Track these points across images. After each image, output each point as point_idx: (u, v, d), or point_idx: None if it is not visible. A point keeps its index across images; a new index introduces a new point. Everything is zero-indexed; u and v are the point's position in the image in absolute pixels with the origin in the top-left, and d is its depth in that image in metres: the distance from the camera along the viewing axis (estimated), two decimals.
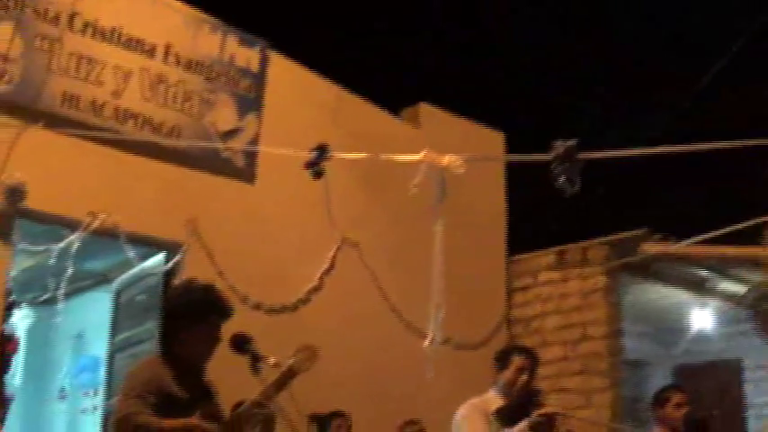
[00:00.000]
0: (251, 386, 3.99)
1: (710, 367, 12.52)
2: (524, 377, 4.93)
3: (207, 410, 3.97)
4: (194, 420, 3.88)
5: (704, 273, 10.31)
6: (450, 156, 4.08)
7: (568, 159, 3.61)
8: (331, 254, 8.51)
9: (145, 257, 7.98)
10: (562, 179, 3.62)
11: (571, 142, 3.64)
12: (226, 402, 4.19)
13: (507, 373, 4.96)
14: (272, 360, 3.96)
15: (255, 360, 3.99)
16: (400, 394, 8.53)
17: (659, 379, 11.67)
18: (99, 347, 11.26)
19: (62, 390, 12.53)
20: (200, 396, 4.04)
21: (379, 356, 8.67)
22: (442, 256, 4.36)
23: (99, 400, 11.09)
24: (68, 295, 12.18)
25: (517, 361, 5.00)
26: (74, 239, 7.08)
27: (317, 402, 3.97)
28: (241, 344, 4.05)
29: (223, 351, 4.14)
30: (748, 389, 12.69)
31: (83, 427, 11.83)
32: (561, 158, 3.62)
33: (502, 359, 5.08)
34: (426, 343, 4.55)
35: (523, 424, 4.66)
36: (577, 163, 3.61)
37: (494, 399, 4.95)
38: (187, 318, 4.08)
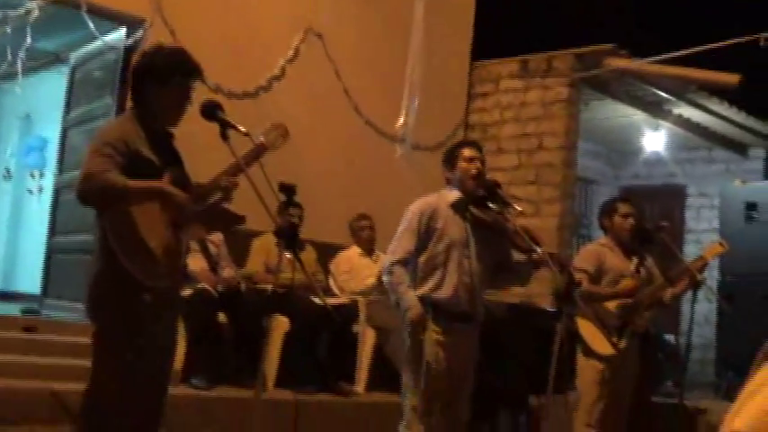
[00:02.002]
0: (221, 160, 3.91)
1: (655, 192, 12.74)
2: (476, 165, 4.89)
3: (175, 176, 3.90)
4: (161, 184, 3.82)
5: (663, 95, 10.32)
6: None
7: None
8: (295, 43, 8.35)
9: (104, 33, 7.76)
10: None
11: None
12: (195, 174, 4.10)
13: (458, 167, 4.90)
14: (242, 128, 3.87)
15: (225, 127, 3.88)
16: (356, 190, 8.56)
17: (605, 198, 11.81)
18: (47, 129, 11.12)
19: (7, 170, 12.41)
20: (169, 161, 3.94)
21: (335, 152, 8.65)
22: (420, 37, 4.25)
23: (45, 180, 11.03)
24: (16, 75, 11.98)
25: (465, 152, 4.94)
26: (33, 6, 6.81)
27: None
28: (211, 110, 3.93)
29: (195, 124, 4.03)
30: (689, 215, 12.98)
31: (28, 206, 11.78)
32: None
33: (450, 156, 5.00)
34: (399, 137, 4.51)
35: (410, 313, 4.71)
36: None
37: (450, 194, 4.92)
38: (154, 78, 3.95)
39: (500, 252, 4.93)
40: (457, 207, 4.84)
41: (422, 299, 4.74)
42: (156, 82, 3.93)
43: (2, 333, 6.73)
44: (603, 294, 5.72)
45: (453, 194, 4.89)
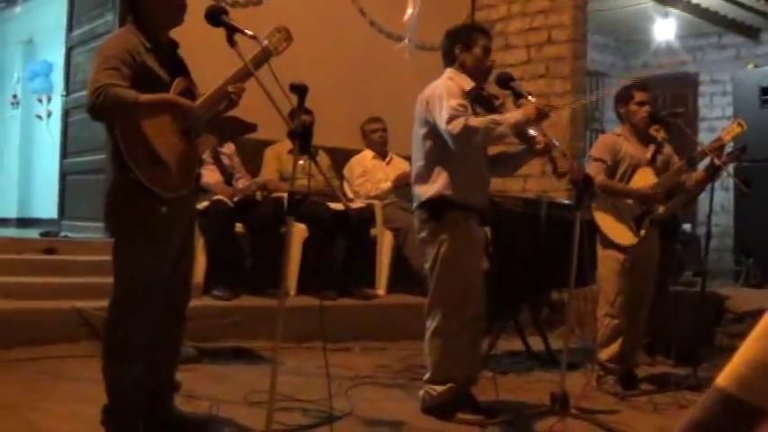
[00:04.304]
0: (225, 69, 3.86)
1: (667, 80, 12.61)
2: (491, 59, 4.81)
3: (182, 86, 3.86)
4: (170, 95, 3.78)
5: None
6: None
7: None
8: None
9: None
10: None
11: None
12: (201, 83, 4.06)
13: (473, 53, 4.81)
14: (249, 32, 3.80)
15: (231, 31, 3.80)
16: (364, 93, 8.50)
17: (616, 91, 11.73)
18: (51, 52, 11.06)
19: (14, 97, 12.40)
20: (176, 72, 3.90)
21: (341, 55, 8.56)
22: None
23: (53, 104, 11.01)
24: (17, 1, 11.89)
25: (481, 41, 4.84)
26: None
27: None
28: (216, 15, 3.85)
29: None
30: (702, 102, 12.88)
31: (37, 132, 11.78)
32: None
33: (464, 39, 4.88)
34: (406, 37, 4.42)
35: (518, 113, 4.57)
36: None
37: (458, 81, 4.80)
38: None
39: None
40: (474, 97, 4.74)
41: (435, 198, 4.69)
42: None
43: (23, 256, 6.80)
44: (621, 190, 5.68)
45: (462, 80, 4.78)
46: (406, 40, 8.21)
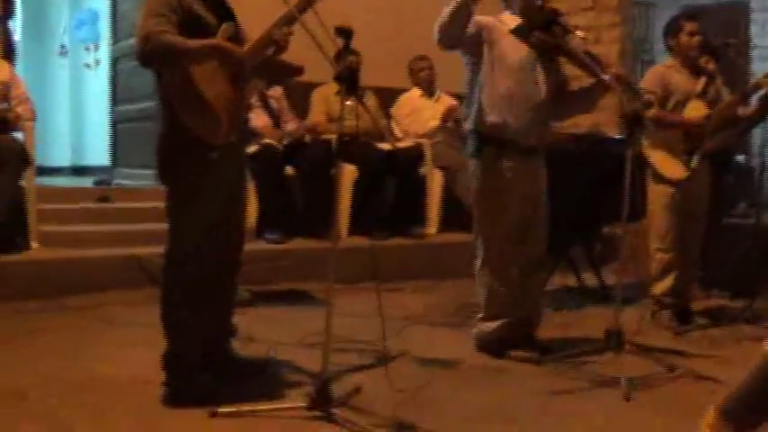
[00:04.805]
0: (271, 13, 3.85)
1: (717, 8, 12.35)
2: None
3: (230, 32, 3.85)
4: (218, 40, 3.78)
5: None
6: None
7: None
8: None
9: None
10: None
11: None
12: (248, 29, 4.05)
13: None
14: None
15: None
16: (410, 31, 8.42)
17: (665, 21, 11.52)
18: (95, 1, 11.07)
19: (62, 46, 12.44)
20: (223, 17, 3.89)
21: None
22: None
23: (100, 53, 11.05)
24: None
25: None
26: None
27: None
28: None
29: None
30: (754, 31, 12.62)
31: (86, 80, 11.84)
32: None
33: None
34: None
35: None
36: None
37: (510, 19, 4.76)
38: None
39: (562, 79, 4.81)
40: (519, 33, 4.64)
41: (485, 133, 4.66)
42: None
43: (78, 205, 6.89)
44: (673, 121, 5.61)
45: (513, 19, 4.73)
46: None
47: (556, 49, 4.62)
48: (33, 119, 6.38)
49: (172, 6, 3.69)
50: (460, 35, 4.50)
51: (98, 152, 10.16)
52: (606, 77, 4.49)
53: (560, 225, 5.11)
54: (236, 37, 3.88)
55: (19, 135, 6.16)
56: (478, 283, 4.75)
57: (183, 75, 3.65)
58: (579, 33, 4.64)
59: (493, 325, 4.70)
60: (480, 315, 4.77)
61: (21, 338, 4.85)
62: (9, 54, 7.91)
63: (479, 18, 4.63)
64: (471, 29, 4.57)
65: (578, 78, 4.85)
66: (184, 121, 3.66)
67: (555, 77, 4.71)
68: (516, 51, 4.62)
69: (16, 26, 9.91)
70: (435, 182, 7.68)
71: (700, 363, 4.66)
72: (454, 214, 7.48)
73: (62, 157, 11.85)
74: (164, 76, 3.73)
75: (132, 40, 6.77)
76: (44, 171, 8.72)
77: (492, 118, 4.62)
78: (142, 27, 3.66)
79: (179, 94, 3.67)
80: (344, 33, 3.73)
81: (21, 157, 5.89)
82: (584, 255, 6.80)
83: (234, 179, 4.02)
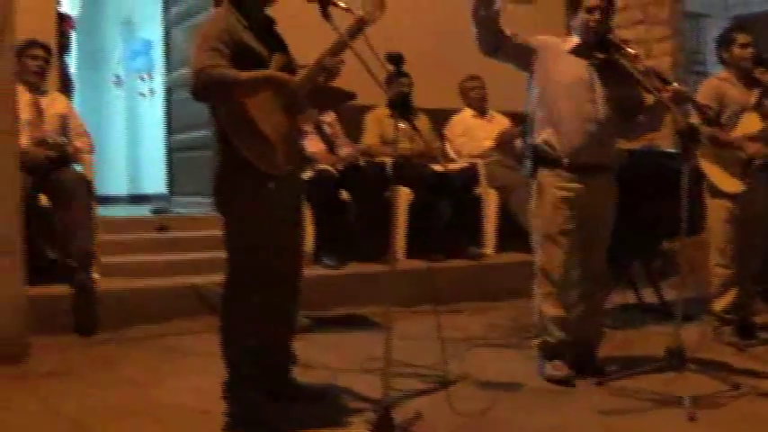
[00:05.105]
0: (323, 39, 3.88)
1: None
2: (596, 16, 4.70)
3: (281, 62, 3.90)
4: (270, 71, 3.82)
5: None
6: None
7: None
8: None
9: None
10: None
11: None
12: (300, 57, 4.08)
13: (579, 14, 4.74)
14: (342, 4, 3.83)
15: (326, 4, 3.84)
16: (461, 51, 8.41)
17: (717, 32, 11.43)
18: (148, 31, 11.25)
19: (117, 76, 12.63)
20: (274, 47, 3.93)
21: (434, 14, 8.48)
22: None
23: (155, 82, 11.20)
24: None
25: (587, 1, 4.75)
26: None
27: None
28: None
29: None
30: None
31: (142, 109, 12.00)
32: None
33: (572, 2, 4.84)
34: None
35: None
36: None
37: (571, 41, 4.75)
38: None
39: (629, 97, 4.72)
40: (578, 53, 4.64)
41: (540, 150, 4.65)
42: None
43: (137, 235, 6.97)
44: (727, 140, 5.54)
45: (573, 40, 4.73)
46: None
47: (616, 68, 4.58)
48: (92, 151, 6.47)
49: (224, 40, 3.74)
50: (495, 38, 4.53)
51: (154, 180, 10.29)
52: (664, 95, 4.46)
53: (619, 241, 5.07)
54: (288, 66, 3.93)
55: (78, 168, 6.24)
56: (536, 304, 4.73)
57: (237, 106, 3.70)
58: (630, 50, 4.61)
59: (557, 366, 4.67)
60: (537, 339, 4.75)
61: (85, 369, 4.91)
62: (66, 88, 8.04)
63: (535, 37, 4.65)
64: (517, 41, 4.60)
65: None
66: (241, 152, 3.70)
67: (619, 96, 4.64)
68: (573, 71, 4.60)
69: (72, 58, 10.06)
70: (491, 202, 7.66)
71: (765, 380, 4.60)
72: (511, 234, 7.44)
73: (119, 186, 12.01)
74: (219, 108, 3.78)
75: (185, 70, 6.86)
76: (102, 200, 8.85)
77: (546, 137, 4.61)
78: (196, 62, 3.72)
79: (234, 125, 3.71)
80: (395, 59, 3.75)
81: (88, 189, 5.98)
82: (643, 271, 6.74)
83: (291, 206, 4.05)
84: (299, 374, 4.30)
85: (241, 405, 3.87)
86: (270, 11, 4.04)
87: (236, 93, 3.69)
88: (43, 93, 6.30)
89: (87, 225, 5.89)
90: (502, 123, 7.96)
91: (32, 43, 6.03)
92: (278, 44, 3.98)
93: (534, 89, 4.68)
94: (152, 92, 11.60)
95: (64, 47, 8.30)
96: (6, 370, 4.79)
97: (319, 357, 4.91)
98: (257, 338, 3.92)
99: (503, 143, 7.80)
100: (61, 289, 5.72)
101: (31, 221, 5.35)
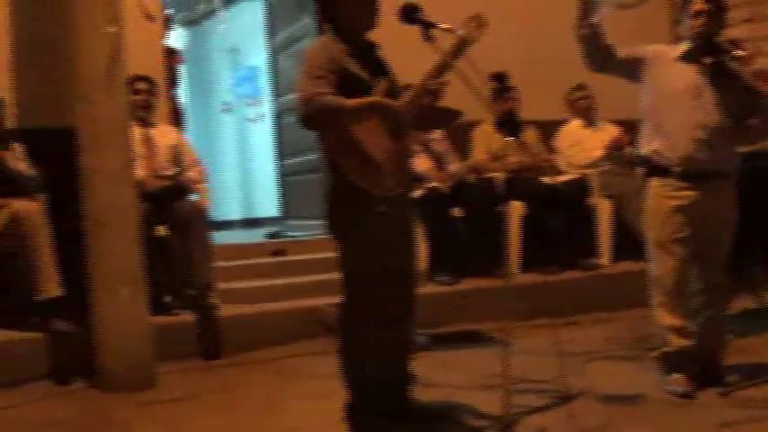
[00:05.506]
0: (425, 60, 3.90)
1: None
2: (702, 20, 4.61)
3: (386, 87, 3.93)
4: (376, 98, 3.86)
5: None
6: None
7: None
8: None
9: None
10: None
11: None
12: (403, 80, 4.11)
13: (685, 20, 4.65)
14: (444, 25, 3.85)
15: (427, 27, 3.88)
16: (566, 60, 8.35)
17: None
18: (254, 57, 11.44)
19: (226, 103, 12.88)
20: (378, 73, 3.97)
21: (537, 25, 8.43)
22: None
23: (263, 108, 11.38)
24: (217, 11, 12.35)
25: (696, 3, 4.66)
26: None
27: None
28: (411, 12, 3.93)
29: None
30: None
31: (251, 134, 12.20)
32: None
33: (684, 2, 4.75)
34: None
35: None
36: None
37: (679, 48, 4.66)
38: None
39: (741, 100, 4.55)
40: (687, 58, 4.55)
41: (650, 159, 4.58)
42: None
43: (254, 260, 7.09)
44: None
45: (681, 47, 4.66)
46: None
47: (726, 72, 4.49)
48: (205, 180, 6.61)
49: (329, 68, 3.79)
50: (601, 54, 4.51)
51: (267, 204, 10.45)
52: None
53: (738, 245, 4.96)
54: (392, 90, 3.95)
55: (194, 197, 6.39)
56: (653, 314, 4.66)
57: (345, 133, 3.74)
58: (739, 52, 4.51)
59: (678, 380, 4.58)
60: (657, 351, 4.67)
61: (208, 394, 5.02)
62: (177, 119, 8.23)
63: (643, 47, 4.60)
64: (624, 54, 4.55)
65: None
66: (350, 178, 3.75)
67: (736, 101, 4.50)
68: (682, 78, 4.51)
69: (182, 89, 10.28)
70: (604, 212, 7.58)
71: None
72: (626, 243, 7.35)
73: (232, 211, 12.22)
74: (326, 135, 3.83)
75: (292, 95, 6.96)
76: (217, 225, 9.02)
77: (656, 146, 4.54)
78: (303, 91, 3.78)
79: (343, 152, 3.76)
80: (499, 78, 3.75)
81: (204, 218, 6.13)
82: (764, 274, 6.58)
83: (402, 226, 4.08)
84: (419, 393, 4.30)
85: (363, 427, 3.90)
86: (372, 35, 4.08)
87: (342, 120, 3.74)
88: (152, 125, 6.47)
89: (206, 253, 6.04)
90: (611, 132, 7.86)
91: (134, 78, 6.17)
92: (381, 69, 4.02)
93: (644, 98, 4.62)
94: (260, 117, 11.79)
95: (173, 80, 8.50)
96: (134, 397, 4.94)
97: (438, 375, 4.90)
98: (376, 359, 3.95)
99: (612, 151, 7.70)
100: (184, 317, 5.86)
101: (150, 252, 5.49)
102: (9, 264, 5.51)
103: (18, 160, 5.69)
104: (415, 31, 3.90)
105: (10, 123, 5.92)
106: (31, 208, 5.49)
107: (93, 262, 5.18)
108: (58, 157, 5.47)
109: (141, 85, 6.33)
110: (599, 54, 4.51)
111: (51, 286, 5.41)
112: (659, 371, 4.68)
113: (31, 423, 4.58)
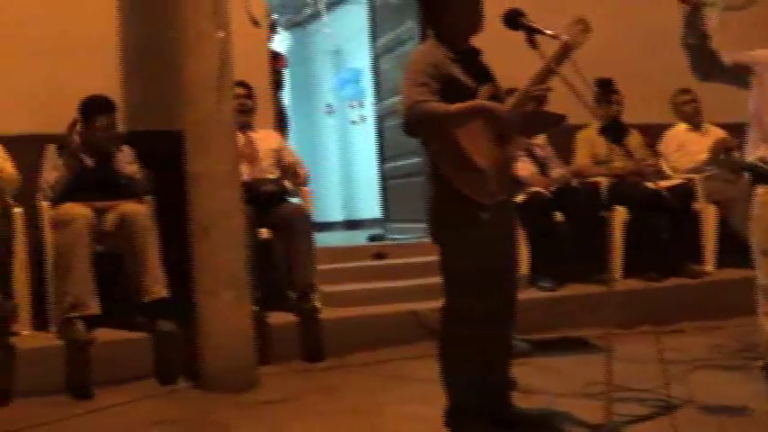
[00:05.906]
0: (529, 65, 3.89)
1: None
2: None
3: (489, 92, 3.92)
4: (480, 102, 3.85)
5: None
6: None
7: None
8: None
9: None
10: None
11: None
12: (507, 84, 4.11)
13: None
14: (549, 31, 3.83)
15: (532, 33, 3.86)
16: (671, 64, 8.23)
17: None
18: (357, 60, 11.54)
19: (329, 105, 13.00)
20: (481, 78, 3.96)
21: (645, 27, 8.31)
22: None
23: (366, 110, 11.46)
24: (321, 14, 12.48)
25: None
26: None
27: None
28: (514, 18, 3.91)
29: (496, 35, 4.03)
30: None
31: (354, 137, 12.29)
32: None
33: None
34: None
35: None
36: None
37: None
38: None
39: None
40: None
41: (756, 167, 4.48)
42: None
43: (356, 263, 7.14)
44: None
45: None
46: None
47: None
48: (307, 183, 6.68)
49: (432, 74, 3.79)
50: (707, 62, 4.40)
51: (369, 205, 10.51)
52: None
53: None
54: (496, 96, 3.94)
55: (296, 200, 6.47)
56: (761, 324, 4.55)
57: (449, 139, 3.73)
58: None
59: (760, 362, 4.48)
60: (762, 360, 4.56)
61: (309, 396, 5.07)
62: (281, 123, 8.33)
63: (750, 53, 4.50)
64: (732, 61, 4.45)
65: None
66: (454, 184, 3.75)
67: None
68: None
69: (286, 92, 10.41)
70: (709, 217, 7.45)
71: None
72: (732, 249, 7.20)
73: (334, 212, 12.33)
74: (430, 143, 3.85)
75: (395, 98, 7.00)
76: (319, 227, 9.12)
77: (761, 153, 4.44)
78: (406, 98, 3.78)
79: (447, 158, 3.76)
80: (603, 84, 3.72)
81: (307, 221, 6.21)
82: None
83: (505, 232, 4.06)
84: (519, 400, 4.28)
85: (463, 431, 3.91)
86: (476, 41, 4.08)
87: (446, 126, 3.74)
88: (253, 129, 6.57)
89: (309, 256, 6.10)
90: (717, 136, 7.73)
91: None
92: (485, 74, 4.00)
93: (751, 104, 4.53)
94: (363, 119, 11.87)
95: (278, 84, 8.61)
96: (237, 398, 5.03)
97: (538, 382, 4.89)
98: (477, 365, 3.95)
99: (717, 154, 7.57)
100: (287, 319, 5.94)
101: (254, 254, 5.58)
102: (117, 265, 5.66)
103: (127, 163, 5.85)
104: (518, 36, 3.88)
105: (120, 126, 6.05)
106: (139, 210, 5.63)
107: (197, 264, 5.28)
108: (165, 160, 5.60)
109: (239, 90, 6.41)
110: (706, 62, 4.43)
111: (158, 288, 5.53)
112: (765, 381, 4.58)
113: (134, 421, 4.70)
